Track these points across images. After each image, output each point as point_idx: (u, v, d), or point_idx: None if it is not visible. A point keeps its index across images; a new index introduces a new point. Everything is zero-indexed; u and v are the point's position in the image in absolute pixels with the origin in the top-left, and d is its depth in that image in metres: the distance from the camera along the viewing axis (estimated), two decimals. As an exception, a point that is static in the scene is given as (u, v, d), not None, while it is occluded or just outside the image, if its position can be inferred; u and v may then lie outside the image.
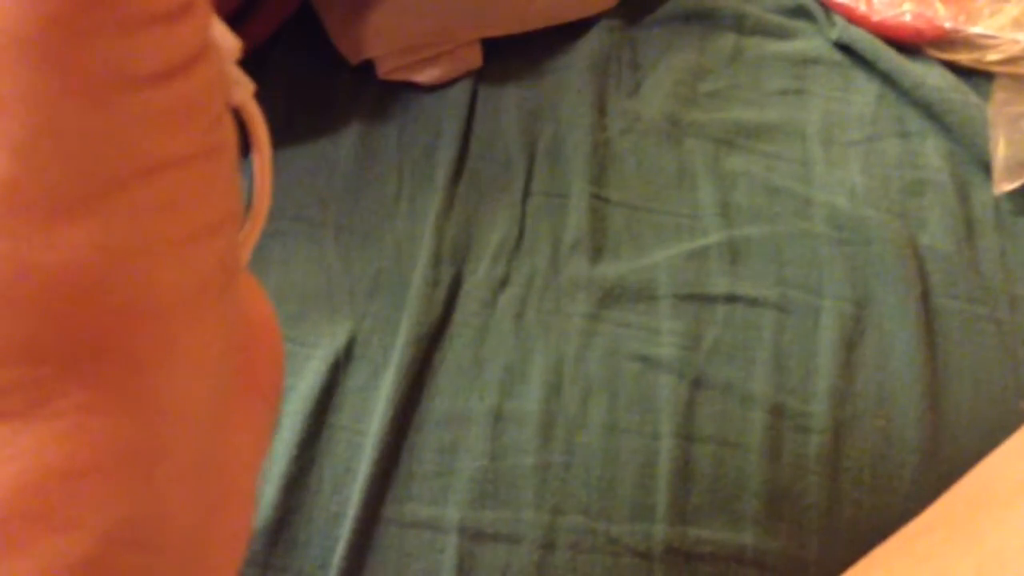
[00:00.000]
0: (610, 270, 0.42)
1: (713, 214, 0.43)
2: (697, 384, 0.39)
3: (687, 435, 0.38)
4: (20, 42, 0.11)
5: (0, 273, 0.12)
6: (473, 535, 0.37)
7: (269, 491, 0.37)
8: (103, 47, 0.12)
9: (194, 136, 0.13)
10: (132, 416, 0.13)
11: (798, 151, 0.45)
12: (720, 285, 0.41)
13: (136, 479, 0.13)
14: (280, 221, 0.43)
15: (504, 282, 0.42)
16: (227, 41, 0.17)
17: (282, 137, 0.45)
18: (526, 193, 0.44)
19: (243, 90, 0.18)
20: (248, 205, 0.19)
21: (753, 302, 0.41)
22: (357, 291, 0.42)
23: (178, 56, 0.13)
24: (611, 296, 0.41)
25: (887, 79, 0.47)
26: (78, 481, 0.12)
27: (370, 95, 0.47)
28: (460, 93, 0.47)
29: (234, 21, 0.45)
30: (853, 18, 0.49)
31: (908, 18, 0.48)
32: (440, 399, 0.39)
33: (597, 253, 0.42)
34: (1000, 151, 0.42)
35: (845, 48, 0.49)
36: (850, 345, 0.40)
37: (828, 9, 0.51)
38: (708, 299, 0.41)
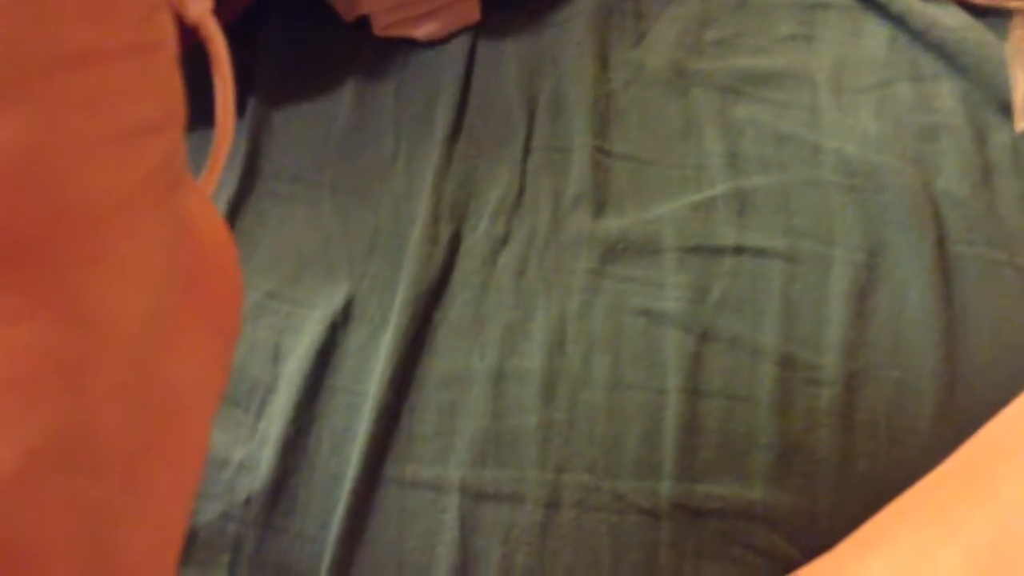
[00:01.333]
0: (613, 225, 0.40)
1: (720, 164, 0.42)
2: (704, 337, 0.38)
3: (694, 390, 0.37)
4: None
5: None
6: (475, 495, 0.36)
7: (268, 452, 0.37)
8: None
9: (121, 29, 0.13)
10: (58, 324, 0.12)
11: (807, 98, 0.43)
12: (727, 236, 0.40)
13: (63, 392, 0.12)
14: (277, 183, 0.43)
15: (504, 239, 0.41)
16: None
17: (278, 98, 0.45)
18: (527, 148, 0.43)
19: (200, 4, 0.17)
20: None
21: (761, 253, 0.39)
22: (355, 251, 0.41)
23: None
24: (614, 251, 0.40)
25: (899, 22, 0.46)
26: None
27: (366, 52, 0.46)
28: (458, 48, 0.46)
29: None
30: (865, -40, 0.47)
31: (922, -42, 0.46)
32: (440, 358, 0.38)
33: (600, 208, 0.41)
34: (1020, 90, 0.40)
35: (856, -8, 0.47)
36: (863, 294, 0.38)
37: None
38: (715, 251, 0.40)
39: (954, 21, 0.44)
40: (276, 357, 0.38)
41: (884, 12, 0.46)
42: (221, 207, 0.42)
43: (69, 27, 0.12)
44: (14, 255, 0.12)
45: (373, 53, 0.46)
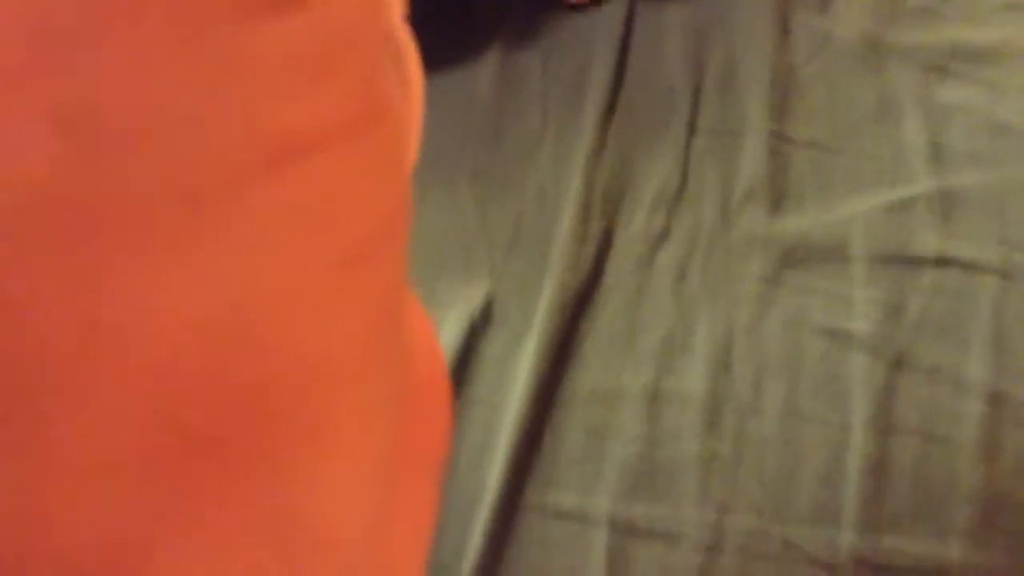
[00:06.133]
0: (792, 225, 0.36)
1: (922, 157, 0.36)
2: (898, 365, 0.33)
3: (884, 426, 0.33)
4: None
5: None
6: (626, 529, 0.33)
7: (398, 470, 0.34)
8: None
9: (339, 101, 0.09)
10: (266, 548, 0.08)
11: (1029, 79, 0.37)
12: (928, 244, 0.35)
13: None
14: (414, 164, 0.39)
15: (663, 237, 0.36)
16: None
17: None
18: (691, 130, 0.39)
19: (391, 12, 0.13)
20: None
21: (969, 266, 0.34)
22: (495, 245, 0.37)
23: None
24: (793, 256, 0.35)
25: None
26: None
27: (513, 16, 0.42)
28: (615, 11, 0.41)
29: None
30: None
31: None
32: (588, 373, 0.35)
33: (776, 204, 0.36)
34: None
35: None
36: None
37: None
38: (913, 262, 0.35)
39: None
40: (409, 363, 0.35)
41: None
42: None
43: (270, 105, 0.08)
44: (211, 450, 0.08)
45: (520, 18, 0.42)
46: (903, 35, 0.39)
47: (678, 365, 0.34)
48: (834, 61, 0.39)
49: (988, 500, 0.32)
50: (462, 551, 0.33)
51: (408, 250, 0.11)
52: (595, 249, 0.36)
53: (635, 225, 0.37)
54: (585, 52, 0.40)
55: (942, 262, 0.34)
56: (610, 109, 0.39)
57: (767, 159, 0.37)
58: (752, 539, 0.32)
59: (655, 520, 0.33)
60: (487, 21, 0.42)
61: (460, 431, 0.34)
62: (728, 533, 0.32)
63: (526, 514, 0.33)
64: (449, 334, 0.36)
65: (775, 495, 0.32)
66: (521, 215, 0.38)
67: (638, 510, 0.33)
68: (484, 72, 0.40)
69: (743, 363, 0.34)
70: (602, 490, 0.33)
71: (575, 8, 0.41)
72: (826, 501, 0.32)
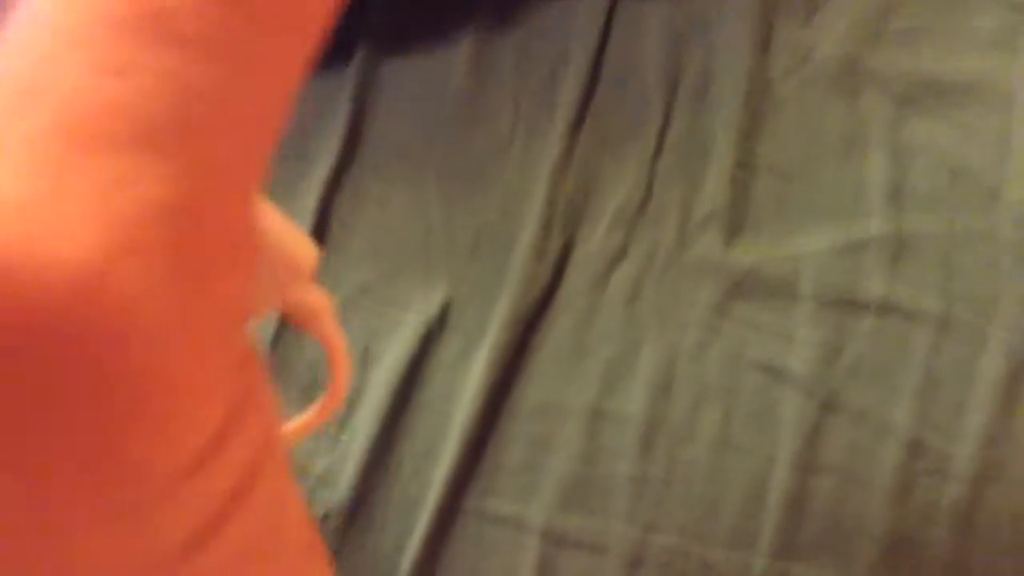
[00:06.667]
0: (746, 255, 0.36)
1: (881, 195, 0.36)
2: (827, 407, 0.34)
3: (807, 464, 0.34)
4: None
5: None
6: (557, 539, 0.35)
7: (349, 468, 0.36)
8: None
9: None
10: None
11: (997, 123, 0.37)
12: (874, 289, 0.35)
13: None
14: (381, 154, 0.39)
15: (620, 256, 0.37)
16: (303, 256, 0.13)
17: (390, 51, 0.39)
18: (659, 145, 0.38)
19: (321, 314, 0.14)
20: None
21: (910, 315, 0.35)
22: (457, 249, 0.37)
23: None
24: (742, 287, 0.36)
25: None
26: None
27: (489, 4, 0.40)
28: (594, 7, 0.39)
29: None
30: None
31: None
32: (535, 388, 0.36)
33: (734, 231, 0.36)
34: None
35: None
36: (1015, 382, 0.34)
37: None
38: (857, 305, 0.35)
39: None
40: (365, 362, 0.36)
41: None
42: (320, 178, 0.39)
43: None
44: None
45: (496, 6, 0.40)
46: (882, 61, 0.38)
47: (621, 386, 0.35)
48: (811, 80, 0.38)
49: (894, 539, 0.33)
50: (403, 545, 0.35)
51: None
52: (553, 264, 0.36)
53: (594, 242, 0.37)
54: (560, 49, 0.39)
55: (885, 308, 0.35)
56: (581, 116, 0.38)
57: (730, 183, 0.37)
58: (673, 557, 0.34)
59: (585, 532, 0.35)
60: (463, 6, 0.40)
61: (410, 435, 0.36)
62: (652, 550, 0.34)
63: (465, 517, 0.35)
64: (407, 337, 0.36)
65: (698, 518, 0.34)
66: (485, 220, 0.37)
67: (570, 522, 0.35)
68: (458, 63, 0.39)
69: (682, 389, 0.35)
70: (538, 501, 0.35)
71: (555, -1, 0.40)
72: (745, 527, 0.34)
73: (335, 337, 0.15)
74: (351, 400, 0.36)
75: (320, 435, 0.36)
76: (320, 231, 0.38)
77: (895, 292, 0.35)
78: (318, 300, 0.15)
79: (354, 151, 0.39)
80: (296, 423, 0.17)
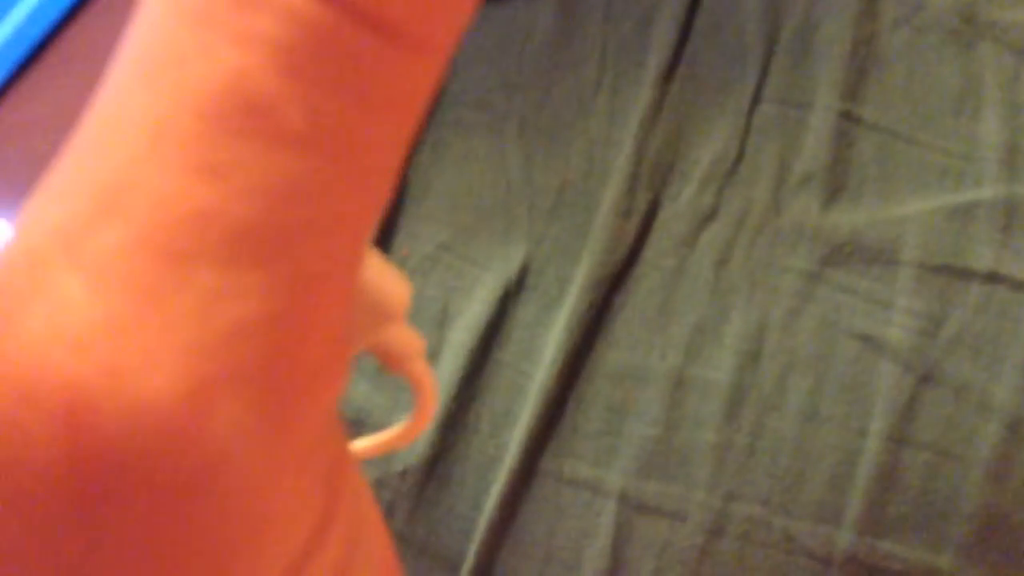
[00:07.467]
0: (845, 219, 0.34)
1: (994, 158, 0.34)
2: (926, 380, 0.33)
3: (901, 438, 0.33)
4: None
5: None
6: (636, 505, 0.34)
7: (427, 425, 0.35)
8: None
9: None
10: None
11: None
12: (983, 257, 0.33)
13: None
14: (460, 108, 0.37)
15: (710, 216, 0.35)
16: (397, 295, 0.13)
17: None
18: (756, 98, 0.36)
19: (414, 357, 0.13)
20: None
21: (1019, 286, 0.33)
22: (537, 206, 0.36)
23: None
24: (840, 253, 0.34)
25: None
26: None
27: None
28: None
29: None
30: None
31: None
32: (616, 350, 0.35)
33: (833, 193, 0.35)
34: None
35: None
36: None
37: None
38: (963, 274, 0.33)
39: None
40: (443, 321, 0.36)
41: None
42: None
43: None
44: None
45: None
46: (1001, 11, 0.35)
47: (706, 353, 0.34)
48: (921, 33, 0.35)
49: (987, 518, 0.32)
50: (480, 504, 0.35)
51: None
52: (638, 223, 0.35)
53: (682, 199, 0.35)
54: (653, -3, 0.37)
55: (992, 278, 0.33)
56: (672, 66, 0.36)
57: (831, 141, 0.35)
58: (754, 527, 0.33)
59: (664, 499, 0.34)
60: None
61: (488, 394, 0.35)
62: (732, 519, 0.33)
63: (542, 478, 0.35)
64: (485, 296, 0.36)
65: (784, 490, 0.33)
66: (567, 177, 0.36)
67: (649, 488, 0.34)
68: (543, 6, 0.38)
69: (772, 358, 0.34)
70: (617, 466, 0.34)
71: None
72: (831, 501, 0.33)
73: (426, 377, 0.15)
74: (430, 357, 0.36)
75: (399, 390, 0.36)
76: (399, 188, 0.38)
77: (1005, 261, 0.33)
78: (411, 343, 0.14)
79: (433, 105, 0.38)
80: (369, 441, 0.17)
